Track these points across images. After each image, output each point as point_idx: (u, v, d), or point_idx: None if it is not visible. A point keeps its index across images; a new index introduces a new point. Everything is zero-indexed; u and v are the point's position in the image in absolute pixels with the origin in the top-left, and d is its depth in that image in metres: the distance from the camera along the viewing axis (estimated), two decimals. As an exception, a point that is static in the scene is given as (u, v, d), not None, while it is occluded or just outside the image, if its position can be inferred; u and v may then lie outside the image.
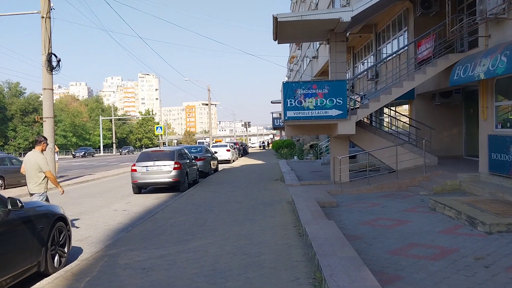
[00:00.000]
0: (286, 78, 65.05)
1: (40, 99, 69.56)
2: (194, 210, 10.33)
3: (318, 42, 27.20)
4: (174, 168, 14.49)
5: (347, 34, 14.78)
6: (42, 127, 17.73)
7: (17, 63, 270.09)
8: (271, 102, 50.97)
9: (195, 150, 21.50)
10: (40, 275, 5.58)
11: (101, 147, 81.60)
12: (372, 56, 20.47)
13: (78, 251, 7.20)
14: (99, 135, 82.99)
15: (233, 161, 34.17)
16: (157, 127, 35.47)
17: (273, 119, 51.25)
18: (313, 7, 30.26)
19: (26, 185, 7.88)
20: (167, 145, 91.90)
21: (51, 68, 16.93)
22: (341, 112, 11.94)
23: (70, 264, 6.04)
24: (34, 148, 7.90)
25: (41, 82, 17.28)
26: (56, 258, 5.91)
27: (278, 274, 5.18)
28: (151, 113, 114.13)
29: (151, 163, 14.58)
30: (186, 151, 17.12)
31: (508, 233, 6.51)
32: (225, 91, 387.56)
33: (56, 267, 5.85)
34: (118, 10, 54.70)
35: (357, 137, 13.13)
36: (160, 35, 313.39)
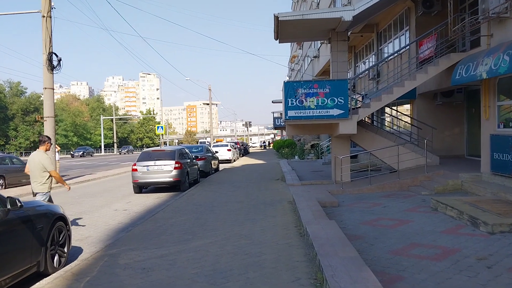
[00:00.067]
0: (287, 78, 65.08)
1: (41, 98, 69.59)
2: (194, 209, 10.30)
3: (319, 42, 27.17)
4: (175, 168, 14.46)
5: (349, 33, 14.74)
6: (43, 126, 17.71)
7: (18, 62, 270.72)
8: (272, 102, 50.95)
9: (196, 150, 21.48)
10: (40, 275, 5.55)
11: (102, 147, 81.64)
12: (373, 56, 20.42)
13: (78, 251, 7.17)
14: (100, 135, 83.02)
15: (234, 160, 34.15)
16: (158, 127, 35.50)
17: (274, 118, 51.11)
18: (315, 6, 30.23)
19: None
20: (168, 144, 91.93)
21: (51, 68, 16.90)
22: (342, 111, 11.90)
23: (70, 264, 6.01)
24: (38, 148, 7.92)
25: (42, 82, 17.26)
26: (56, 258, 5.88)
27: (279, 275, 5.14)
28: (152, 112, 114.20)
29: (152, 162, 14.56)
30: (187, 150, 17.09)
31: (511, 233, 6.47)
32: (226, 90, 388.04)
33: (56, 267, 5.82)
34: (119, 9, 54.76)
35: (359, 136, 13.09)
36: (161, 34, 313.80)
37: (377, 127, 15.32)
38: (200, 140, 79.02)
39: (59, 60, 17.06)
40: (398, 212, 8.84)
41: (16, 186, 17.52)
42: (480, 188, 9.62)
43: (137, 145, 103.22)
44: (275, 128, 57.44)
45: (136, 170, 14.54)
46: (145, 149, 17.04)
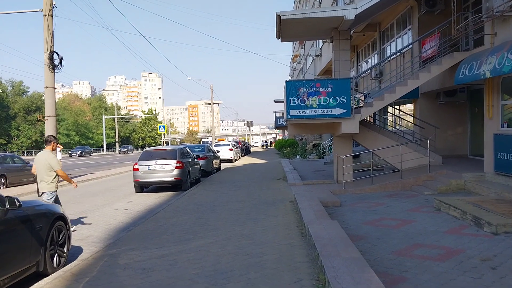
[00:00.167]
0: (289, 77, 65.02)
1: (43, 97, 69.61)
2: (196, 209, 10.25)
3: (321, 41, 27.07)
4: (176, 167, 14.42)
5: (351, 32, 14.66)
6: (45, 125, 17.68)
7: (20, 61, 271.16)
8: (274, 101, 50.87)
9: (197, 149, 21.44)
10: (39, 275, 5.50)
11: (104, 146, 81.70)
12: (376, 55, 20.33)
13: (78, 250, 7.13)
14: (102, 134, 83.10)
15: (236, 160, 34.11)
16: (160, 126, 35.55)
17: (276, 118, 51.20)
18: (317, 5, 30.14)
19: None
20: (170, 144, 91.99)
21: (53, 67, 16.86)
22: (344, 110, 11.83)
23: (69, 264, 5.96)
24: (40, 147, 7.96)
25: (44, 81, 17.23)
26: (55, 258, 5.83)
27: (281, 275, 5.08)
28: (154, 112, 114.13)
29: (153, 162, 14.52)
30: (188, 150, 17.04)
31: (515, 234, 6.40)
32: (228, 90, 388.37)
33: (55, 267, 5.77)
34: (120, 8, 54.69)
35: (361, 136, 13.02)
36: (161, 33, 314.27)
37: (379, 127, 15.24)
38: (203, 140, 78.97)
39: (61, 59, 17.01)
40: (401, 212, 8.77)
41: (17, 186, 17.52)
42: (484, 188, 9.54)
43: (139, 144, 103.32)
44: (277, 127, 57.47)
45: (137, 169, 14.51)
46: (147, 148, 17.00)
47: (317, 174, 17.28)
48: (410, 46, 15.18)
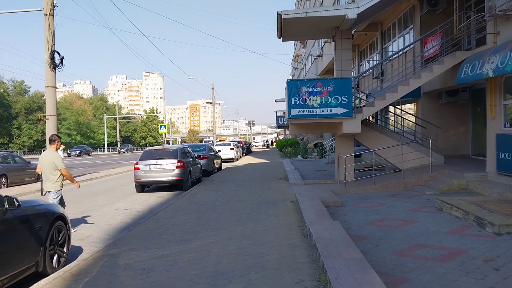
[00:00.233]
0: (291, 77, 64.92)
1: (44, 97, 69.67)
2: (196, 209, 10.22)
3: (322, 40, 27.02)
4: (177, 167, 14.39)
5: (353, 31, 14.61)
6: (46, 125, 17.67)
7: (22, 61, 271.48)
8: (275, 101, 50.79)
9: (198, 149, 21.41)
10: (39, 276, 5.46)
11: (106, 146, 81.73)
12: (377, 54, 20.27)
13: (78, 250, 7.09)
14: (104, 134, 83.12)
15: (237, 159, 34.07)
16: (161, 126, 35.60)
17: (277, 117, 51.07)
18: (318, 4, 30.06)
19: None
20: (171, 143, 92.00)
21: (54, 66, 16.84)
22: (346, 110, 11.78)
23: (69, 264, 5.93)
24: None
25: (45, 80, 17.21)
26: (55, 258, 5.80)
27: (282, 276, 5.04)
28: (155, 111, 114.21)
29: (154, 161, 14.50)
30: (189, 149, 17.01)
31: (518, 235, 6.35)
32: (229, 89, 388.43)
33: (55, 267, 5.73)
34: (121, 7, 54.71)
35: (363, 135, 12.97)
36: (162, 32, 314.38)
37: (381, 126, 15.20)
38: (205, 139, 78.92)
39: (62, 59, 16.99)
40: (402, 212, 8.73)
41: (18, 185, 17.51)
42: (486, 188, 9.48)
43: (140, 144, 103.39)
44: (278, 127, 57.36)
45: (138, 169, 14.49)
46: (148, 148, 16.98)
47: (318, 173, 17.24)
48: (412, 45, 15.11)
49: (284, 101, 17.36)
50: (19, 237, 5.07)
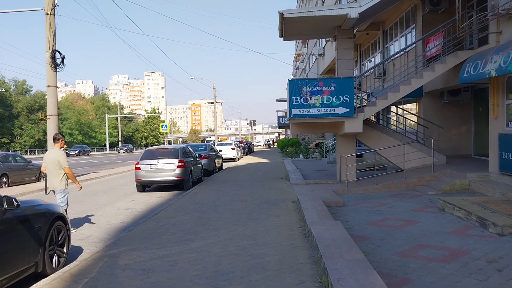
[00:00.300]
0: (292, 76, 64.82)
1: (46, 97, 69.77)
2: (197, 209, 10.18)
3: (324, 40, 26.96)
4: (178, 167, 14.36)
5: (354, 31, 14.56)
6: (47, 124, 17.65)
7: (24, 60, 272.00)
8: (277, 100, 50.67)
9: (200, 148, 21.38)
10: (38, 276, 5.43)
11: (107, 145, 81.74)
12: (379, 54, 20.21)
13: (78, 251, 7.06)
14: (105, 133, 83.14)
15: (238, 159, 34.04)
16: (162, 125, 35.60)
17: (279, 117, 50.96)
18: (320, 4, 30.02)
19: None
20: (172, 143, 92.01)
21: (55, 65, 16.82)
22: (348, 110, 11.73)
23: (69, 265, 5.89)
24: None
25: (46, 80, 17.19)
26: (55, 258, 5.76)
27: (283, 277, 4.99)
28: (157, 111, 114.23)
29: (155, 161, 14.47)
30: (190, 149, 16.98)
31: (521, 235, 6.29)
32: (231, 89, 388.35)
33: (54, 267, 5.69)
34: (122, 7, 54.68)
35: (364, 135, 12.92)
36: (164, 32, 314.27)
37: (383, 126, 15.14)
38: (207, 139, 78.90)
39: (63, 58, 16.97)
40: (404, 212, 8.68)
41: (19, 184, 17.50)
42: (488, 188, 9.43)
43: (142, 143, 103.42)
44: (280, 127, 57.26)
45: (139, 168, 14.47)
46: (149, 148, 16.95)
47: (319, 173, 17.19)
48: (414, 45, 15.06)
49: (285, 101, 17.30)
50: (18, 237, 5.04)
